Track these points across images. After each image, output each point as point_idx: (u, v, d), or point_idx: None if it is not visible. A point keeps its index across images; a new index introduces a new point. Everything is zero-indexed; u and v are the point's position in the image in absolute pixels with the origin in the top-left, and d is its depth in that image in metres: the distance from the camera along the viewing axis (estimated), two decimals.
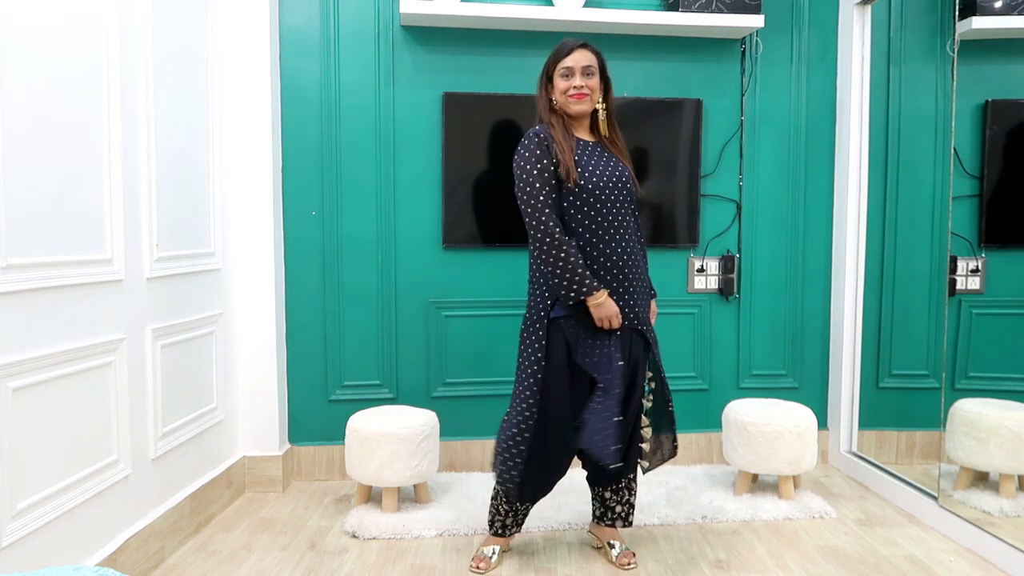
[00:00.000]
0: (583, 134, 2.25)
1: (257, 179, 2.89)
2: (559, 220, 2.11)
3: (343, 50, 3.04)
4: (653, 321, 2.36)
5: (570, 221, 2.14)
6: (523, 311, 2.27)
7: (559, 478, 2.27)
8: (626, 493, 2.35)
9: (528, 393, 2.15)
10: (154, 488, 2.33)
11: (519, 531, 2.38)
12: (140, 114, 2.24)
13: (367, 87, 3.06)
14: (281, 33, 3.00)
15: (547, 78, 2.22)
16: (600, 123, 2.25)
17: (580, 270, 2.07)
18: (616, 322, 2.11)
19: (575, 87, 2.16)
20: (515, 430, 2.17)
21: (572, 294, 2.07)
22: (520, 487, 2.21)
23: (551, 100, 2.21)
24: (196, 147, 2.61)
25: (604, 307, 2.10)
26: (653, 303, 2.40)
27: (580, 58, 2.16)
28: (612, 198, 2.17)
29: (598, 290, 2.08)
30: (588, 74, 2.17)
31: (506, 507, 2.31)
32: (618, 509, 2.36)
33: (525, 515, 2.36)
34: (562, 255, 2.06)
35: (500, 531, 2.34)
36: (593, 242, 2.15)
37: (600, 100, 2.22)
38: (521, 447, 2.16)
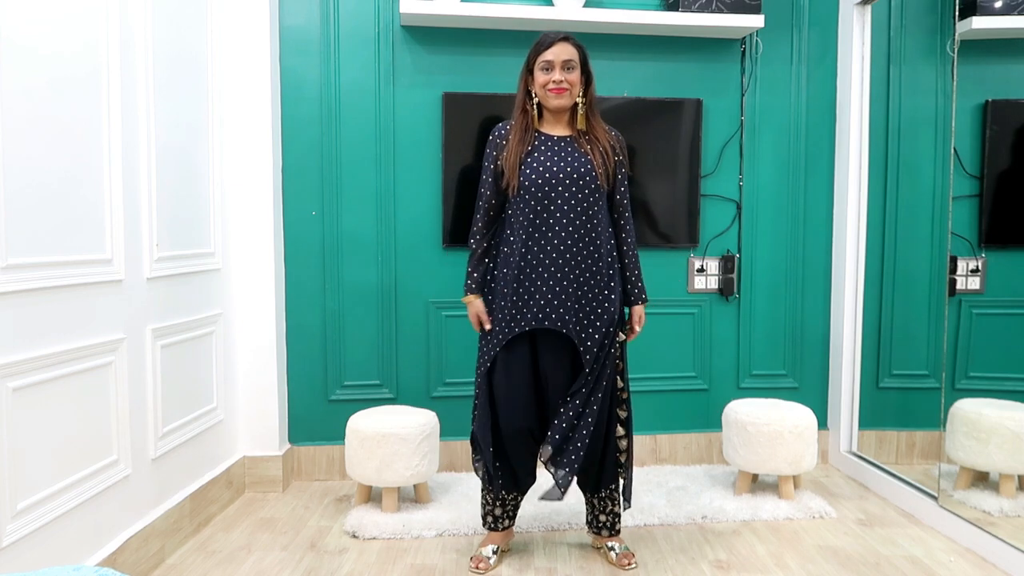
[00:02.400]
0: (560, 129, 2.22)
1: (257, 179, 2.89)
2: (493, 219, 2.27)
3: (343, 50, 3.04)
4: (638, 328, 2.31)
5: (512, 217, 2.21)
6: None
7: (527, 469, 2.28)
8: (608, 503, 2.33)
9: (478, 391, 2.28)
10: (154, 488, 2.33)
11: (512, 525, 2.37)
12: (140, 114, 2.24)
13: (367, 87, 3.06)
14: (281, 33, 3.00)
15: (527, 70, 2.19)
16: (579, 117, 2.20)
17: (468, 269, 2.28)
18: (476, 326, 2.27)
19: (554, 81, 2.12)
20: (474, 424, 2.30)
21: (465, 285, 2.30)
22: (489, 475, 2.27)
23: (529, 92, 2.19)
24: (196, 147, 2.61)
25: (469, 308, 2.28)
26: (636, 308, 2.31)
27: (561, 52, 2.12)
28: (552, 196, 2.14)
29: (469, 291, 2.27)
30: (568, 68, 2.13)
31: (491, 496, 2.32)
32: (602, 518, 2.35)
33: (515, 507, 2.35)
34: (469, 253, 2.28)
35: (492, 524, 2.34)
36: (523, 238, 2.16)
37: (581, 95, 2.18)
38: (486, 437, 2.24)
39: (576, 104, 2.19)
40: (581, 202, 2.15)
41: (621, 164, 2.25)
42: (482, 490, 2.35)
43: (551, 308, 2.14)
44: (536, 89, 2.17)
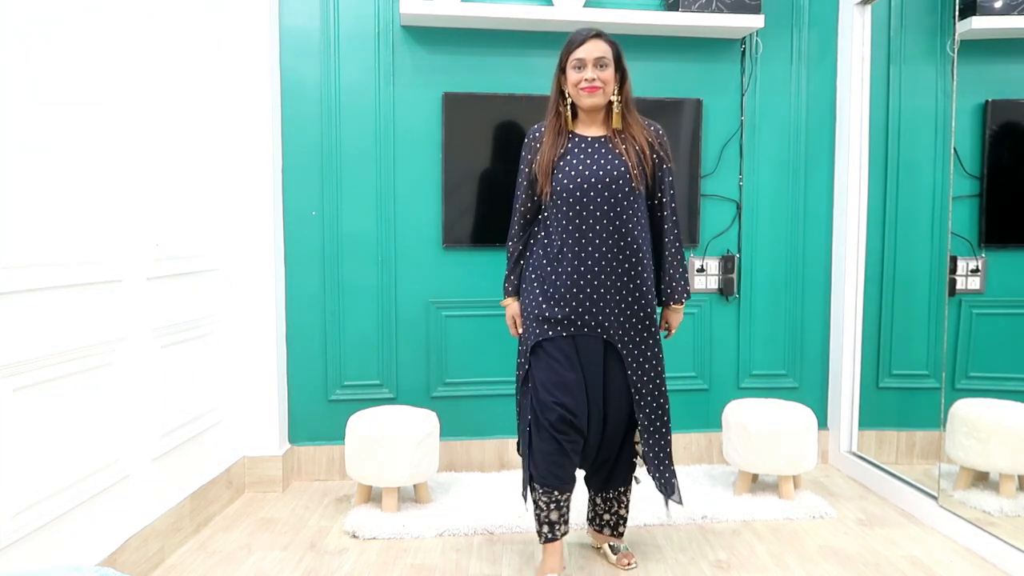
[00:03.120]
0: (594, 129, 2.16)
1: (257, 179, 2.89)
2: (530, 222, 2.24)
3: (343, 50, 3.04)
4: (673, 330, 2.31)
5: (547, 221, 2.17)
6: None
7: (572, 461, 2.15)
8: (615, 504, 2.32)
9: (519, 384, 2.26)
10: (154, 488, 2.33)
11: (568, 531, 2.21)
12: (140, 113, 2.24)
13: (367, 87, 3.06)
14: (281, 33, 3.00)
15: (560, 69, 2.14)
16: (614, 116, 2.13)
17: (506, 273, 2.28)
18: (512, 330, 2.27)
19: (587, 80, 2.07)
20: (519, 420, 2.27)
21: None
22: (537, 472, 2.15)
23: (563, 93, 2.14)
24: (196, 147, 2.61)
25: (507, 311, 2.29)
26: (669, 311, 2.28)
27: (593, 49, 2.07)
28: (584, 201, 2.09)
29: (507, 295, 2.27)
30: (601, 66, 2.07)
31: (544, 499, 2.15)
32: (606, 517, 2.34)
33: (568, 509, 2.19)
34: (510, 259, 2.27)
35: (550, 533, 2.17)
36: (557, 244, 2.13)
37: (616, 92, 2.12)
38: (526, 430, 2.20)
39: (611, 103, 2.12)
40: (615, 206, 2.09)
41: (662, 160, 2.18)
42: (534, 500, 2.19)
43: (590, 315, 2.11)
44: (569, 88, 2.12)
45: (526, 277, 2.22)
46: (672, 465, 2.24)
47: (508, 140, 3.04)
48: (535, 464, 2.15)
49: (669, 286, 2.25)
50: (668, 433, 2.23)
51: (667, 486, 2.23)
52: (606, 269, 2.11)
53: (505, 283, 2.27)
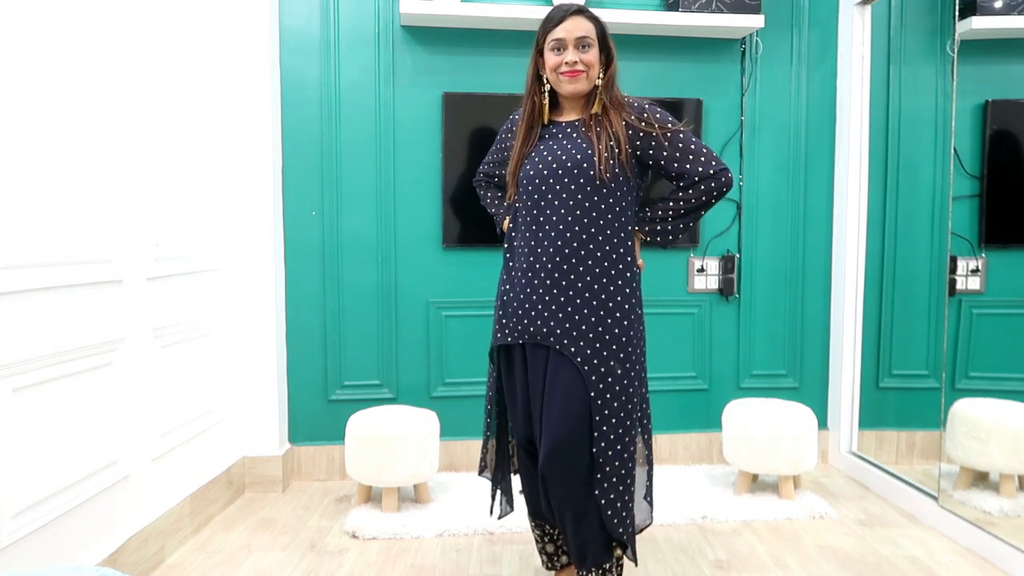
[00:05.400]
0: (573, 114, 1.89)
1: (257, 179, 2.89)
2: (488, 183, 2.16)
3: (343, 50, 3.04)
4: (636, 258, 1.89)
5: (513, 223, 1.96)
6: None
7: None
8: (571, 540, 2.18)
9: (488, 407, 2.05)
10: (154, 488, 2.33)
11: (569, 562, 2.09)
12: (140, 113, 2.24)
13: (367, 87, 3.06)
14: (281, 33, 3.00)
15: (537, 51, 1.87)
16: (595, 102, 1.84)
17: (489, 209, 2.16)
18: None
19: (567, 63, 1.79)
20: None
21: (497, 226, 2.12)
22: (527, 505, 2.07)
23: (540, 77, 1.87)
24: (196, 147, 2.61)
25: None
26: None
27: (574, 27, 1.79)
28: (544, 191, 1.83)
29: (502, 219, 2.08)
30: (584, 47, 1.80)
31: (538, 531, 2.08)
32: (565, 548, 2.21)
33: (561, 538, 2.07)
34: (479, 197, 2.18)
35: (549, 564, 2.10)
36: (515, 237, 1.92)
37: (600, 76, 1.83)
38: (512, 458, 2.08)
39: (597, 87, 1.84)
40: (576, 195, 1.79)
41: (649, 136, 1.82)
42: (531, 527, 2.11)
43: (542, 320, 1.82)
44: (547, 73, 1.84)
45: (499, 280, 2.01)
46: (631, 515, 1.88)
47: None
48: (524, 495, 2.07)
49: (647, 210, 1.91)
50: (629, 474, 1.83)
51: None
52: (562, 267, 1.80)
53: (494, 214, 2.13)
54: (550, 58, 1.83)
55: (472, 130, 3.08)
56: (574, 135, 1.86)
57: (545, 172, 1.83)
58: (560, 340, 1.80)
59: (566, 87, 1.83)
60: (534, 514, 2.06)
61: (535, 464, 1.95)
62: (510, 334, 1.89)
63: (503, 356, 1.96)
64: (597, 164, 1.79)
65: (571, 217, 1.81)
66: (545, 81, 1.87)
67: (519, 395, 1.93)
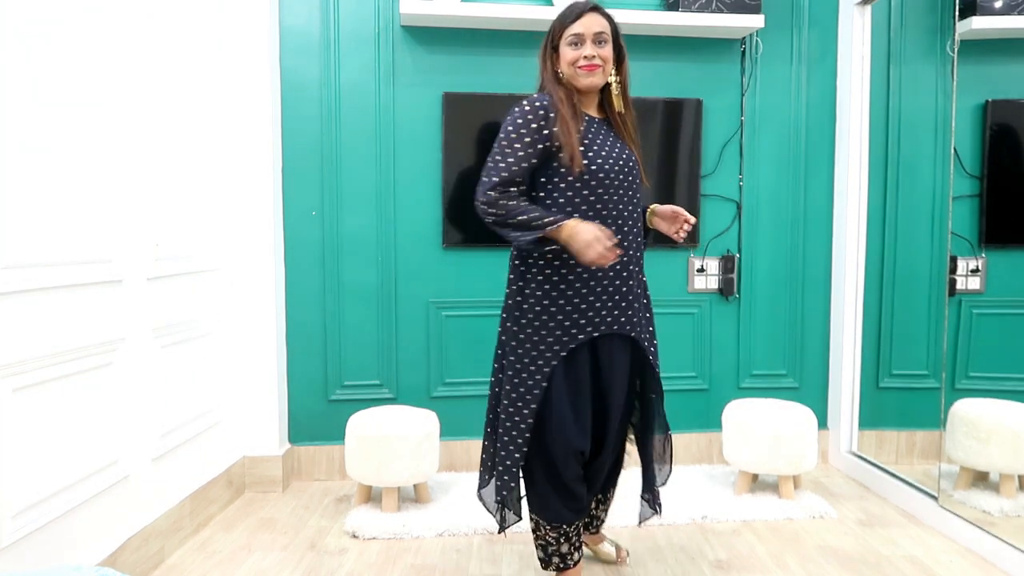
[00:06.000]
0: (590, 110, 1.96)
1: (257, 179, 2.89)
2: (520, 193, 1.84)
3: (343, 50, 3.04)
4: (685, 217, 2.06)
5: (563, 206, 1.86)
6: None
7: (582, 492, 1.98)
8: (609, 497, 2.26)
9: (502, 413, 1.98)
10: (154, 488, 2.33)
11: (581, 555, 2.09)
12: (140, 113, 2.24)
13: (367, 87, 3.06)
14: (281, 33, 3.00)
15: (552, 47, 1.91)
16: (613, 98, 1.95)
17: (527, 218, 1.79)
18: (609, 255, 1.73)
19: (585, 57, 1.85)
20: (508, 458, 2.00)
21: (535, 235, 1.77)
22: (547, 508, 1.99)
23: (557, 73, 1.91)
24: (196, 147, 2.61)
25: (581, 235, 1.73)
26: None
27: (591, 23, 1.85)
28: (616, 186, 1.88)
29: (566, 220, 1.77)
30: (600, 42, 1.86)
31: (553, 535, 2.00)
32: (603, 516, 2.30)
33: (579, 537, 2.06)
34: (506, 212, 1.80)
35: (562, 563, 2.03)
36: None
37: (613, 72, 1.93)
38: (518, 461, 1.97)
39: (609, 83, 1.93)
40: (633, 195, 1.95)
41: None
42: (538, 533, 2.04)
43: (619, 311, 1.92)
44: (563, 68, 1.89)
45: (533, 276, 1.90)
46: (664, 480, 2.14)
47: None
48: (540, 502, 1.98)
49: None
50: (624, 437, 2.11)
51: (657, 502, 2.11)
52: (628, 264, 1.93)
53: (542, 220, 1.78)
54: (567, 52, 1.88)
55: (472, 130, 3.08)
56: (612, 134, 1.96)
57: (619, 166, 1.91)
58: (635, 328, 1.96)
59: (583, 80, 1.89)
60: (558, 518, 1.96)
61: (579, 469, 1.95)
62: (600, 323, 1.90)
63: (562, 363, 1.89)
64: (641, 167, 2.00)
65: (635, 213, 1.97)
66: (560, 76, 1.92)
67: (583, 403, 1.91)
